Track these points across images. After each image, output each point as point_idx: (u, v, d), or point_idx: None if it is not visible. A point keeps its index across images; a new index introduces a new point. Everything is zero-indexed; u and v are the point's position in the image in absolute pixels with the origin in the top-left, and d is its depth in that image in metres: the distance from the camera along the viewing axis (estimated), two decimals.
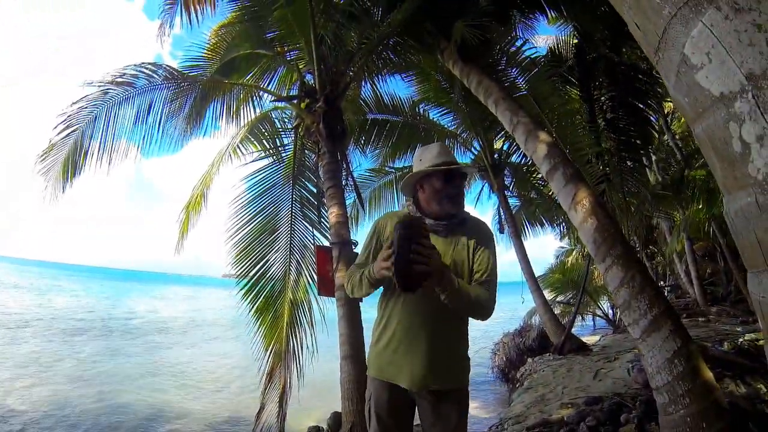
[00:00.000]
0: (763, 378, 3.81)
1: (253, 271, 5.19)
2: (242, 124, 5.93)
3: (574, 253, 15.67)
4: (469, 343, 1.89)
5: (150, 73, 5.38)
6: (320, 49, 4.95)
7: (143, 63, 5.37)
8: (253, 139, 5.77)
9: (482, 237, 1.84)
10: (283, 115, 6.02)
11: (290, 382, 5.06)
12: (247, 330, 5.29)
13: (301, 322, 5.14)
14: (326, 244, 4.85)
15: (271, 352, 5.12)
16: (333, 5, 4.97)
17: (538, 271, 9.45)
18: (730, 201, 1.08)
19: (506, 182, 9.06)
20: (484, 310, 1.74)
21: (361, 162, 7.09)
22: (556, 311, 9.79)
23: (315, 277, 4.76)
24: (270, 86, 6.10)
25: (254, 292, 5.15)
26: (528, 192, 9.60)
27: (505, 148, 8.53)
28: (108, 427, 6.97)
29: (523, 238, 9.47)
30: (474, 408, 6.61)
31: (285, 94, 5.68)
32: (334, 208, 4.44)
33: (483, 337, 11.97)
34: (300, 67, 5.50)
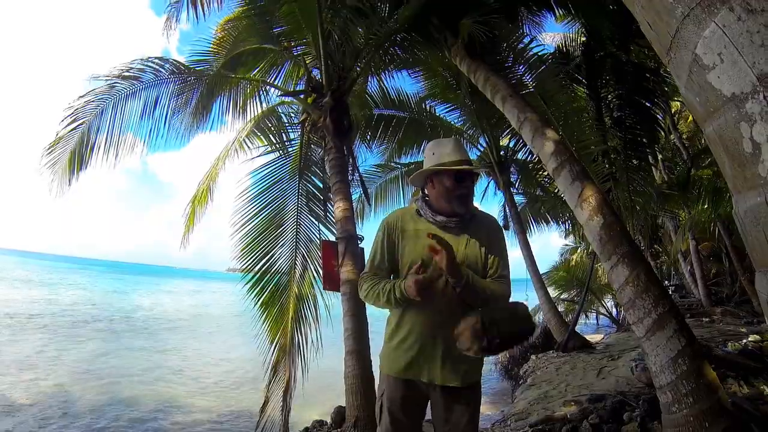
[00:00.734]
0: (766, 379, 3.80)
1: (259, 266, 5.22)
2: (248, 119, 5.93)
3: (578, 250, 15.65)
4: None
5: (157, 67, 5.41)
6: (327, 44, 4.95)
7: (150, 57, 5.40)
8: (259, 134, 5.79)
9: (493, 233, 1.86)
10: (290, 110, 6.03)
11: (295, 376, 5.10)
12: (251, 325, 5.33)
13: (306, 317, 5.18)
14: (332, 238, 4.87)
15: (276, 346, 5.15)
16: (340, 0, 4.96)
17: (542, 269, 9.46)
18: (739, 201, 1.08)
19: (512, 179, 9.05)
20: (500, 304, 1.78)
21: (367, 157, 7.12)
22: (560, 309, 9.79)
23: (320, 271, 4.78)
24: (277, 81, 6.09)
25: (260, 287, 5.18)
26: (534, 189, 9.59)
27: (511, 145, 8.51)
28: (112, 419, 7.03)
29: (528, 235, 9.48)
30: None
31: (292, 89, 5.69)
32: (340, 202, 4.45)
33: None
34: (307, 62, 5.50)
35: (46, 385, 8.61)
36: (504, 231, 2.08)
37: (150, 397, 8.32)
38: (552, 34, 9.52)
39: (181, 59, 5.95)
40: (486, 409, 6.85)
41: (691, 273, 11.38)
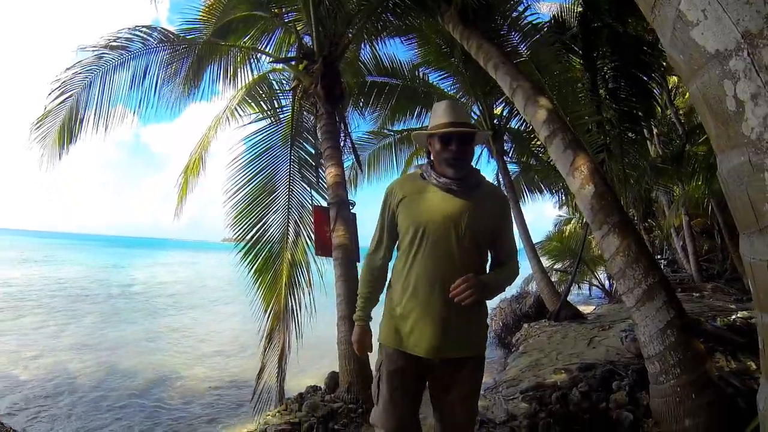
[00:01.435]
0: (753, 355, 3.85)
1: (252, 233, 5.22)
2: (239, 87, 5.87)
3: (572, 222, 15.71)
4: None
5: (145, 36, 5.31)
6: (319, 10, 4.88)
7: (137, 26, 5.30)
8: (250, 101, 5.73)
9: (500, 206, 1.79)
10: (281, 77, 5.96)
11: (289, 343, 5.15)
12: (246, 293, 5.36)
13: (299, 283, 5.21)
14: (324, 204, 4.87)
15: (270, 313, 5.18)
16: None
17: (536, 239, 9.49)
18: (723, 161, 1.08)
19: (506, 148, 9.02)
20: (511, 284, 1.84)
21: (359, 124, 7.07)
22: (553, 279, 9.89)
23: (313, 237, 4.80)
24: (268, 48, 6.00)
25: (253, 253, 5.19)
26: (527, 158, 9.58)
27: (504, 113, 8.46)
28: (111, 391, 7.14)
29: (521, 205, 9.49)
30: None
31: (283, 56, 5.62)
32: (332, 168, 4.43)
33: None
34: (298, 28, 5.42)
35: (45, 361, 8.70)
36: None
37: (148, 369, 8.44)
38: (548, 3, 9.38)
39: (171, 28, 5.85)
40: None
41: (683, 248, 11.47)
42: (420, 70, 7.09)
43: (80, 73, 5.16)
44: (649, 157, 9.29)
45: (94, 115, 5.31)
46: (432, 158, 1.79)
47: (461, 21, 4.56)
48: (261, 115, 5.58)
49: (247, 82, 5.81)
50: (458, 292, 1.57)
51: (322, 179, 5.23)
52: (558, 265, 11.38)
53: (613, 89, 6.49)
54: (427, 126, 1.84)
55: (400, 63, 6.72)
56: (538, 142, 7.88)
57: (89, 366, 8.50)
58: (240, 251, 5.15)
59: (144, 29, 5.32)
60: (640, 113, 6.64)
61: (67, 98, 5.18)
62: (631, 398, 3.28)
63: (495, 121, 8.48)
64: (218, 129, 5.85)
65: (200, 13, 5.89)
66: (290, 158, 5.44)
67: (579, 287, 12.72)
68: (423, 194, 1.71)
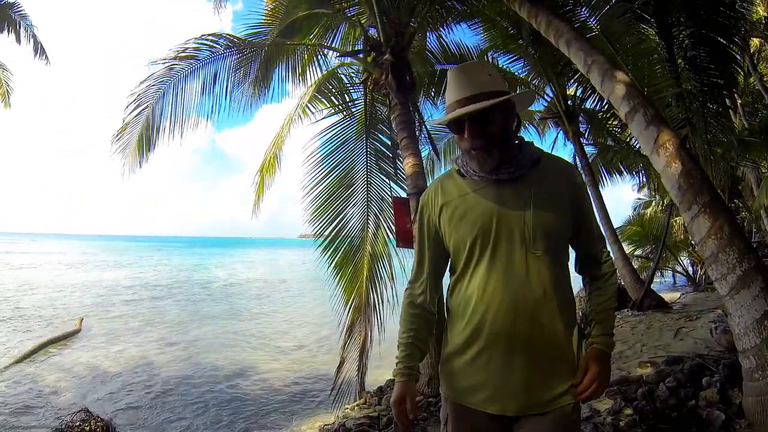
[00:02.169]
0: None
1: (331, 227, 5.28)
2: (309, 84, 5.96)
3: (653, 204, 14.85)
4: None
5: (212, 44, 5.49)
6: (381, 1, 4.83)
7: (203, 35, 5.48)
8: (321, 97, 5.80)
9: (570, 183, 1.30)
10: (350, 71, 5.98)
11: (370, 336, 5.18)
12: (326, 288, 5.43)
13: (381, 276, 5.22)
14: (403, 195, 4.83)
15: (350, 307, 5.23)
16: None
17: (615, 224, 9.04)
18: None
19: (581, 129, 8.61)
20: None
21: (432, 114, 6.95)
22: (634, 266, 9.37)
23: (393, 229, 4.78)
24: (334, 44, 6.05)
25: (332, 248, 5.25)
26: (604, 139, 9.08)
27: (578, 93, 8.08)
28: (193, 383, 7.50)
29: (600, 188, 9.06)
30: None
31: (350, 50, 5.65)
32: (410, 158, 4.37)
33: None
34: (362, 21, 5.40)
35: (131, 355, 9.31)
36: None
37: (229, 363, 8.80)
38: None
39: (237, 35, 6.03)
40: None
41: None
42: (489, 54, 6.91)
43: (153, 85, 5.43)
44: (735, 131, 8.55)
45: (170, 123, 5.57)
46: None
47: None
48: (333, 110, 5.64)
49: (316, 79, 5.89)
50: (587, 395, 1.23)
51: (400, 170, 5.19)
52: (639, 251, 10.81)
53: (692, 58, 6.00)
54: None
55: (468, 49, 6.58)
56: (616, 122, 7.48)
57: (172, 360, 8.98)
58: (320, 246, 5.22)
59: (210, 37, 5.50)
60: (721, 81, 6.11)
61: (143, 110, 5.47)
62: (723, 396, 3.04)
63: (569, 102, 8.15)
64: (291, 127, 5.95)
65: (263, 17, 6.03)
66: (366, 151, 5.45)
67: (662, 274, 12.05)
68: (467, 195, 1.29)
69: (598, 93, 5.81)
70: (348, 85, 5.82)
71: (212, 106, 5.68)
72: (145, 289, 20.78)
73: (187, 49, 5.43)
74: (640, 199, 16.05)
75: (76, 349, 9.69)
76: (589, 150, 9.51)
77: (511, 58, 7.41)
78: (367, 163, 5.47)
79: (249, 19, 5.97)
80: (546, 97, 8.30)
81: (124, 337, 10.91)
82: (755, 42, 10.29)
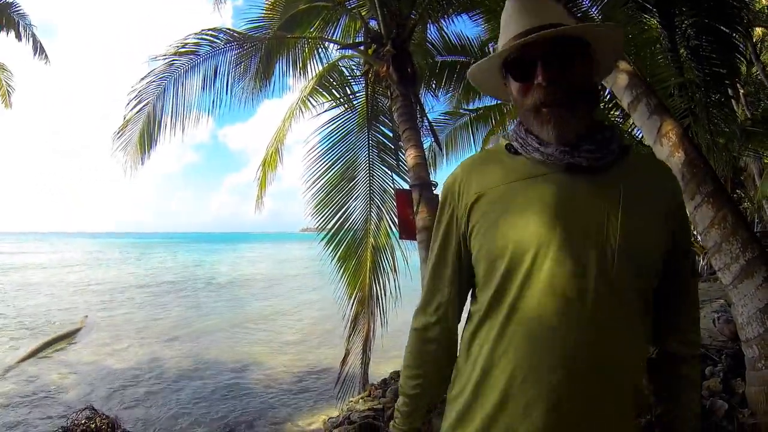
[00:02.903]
0: None
1: (334, 220, 5.27)
2: (310, 78, 5.94)
3: None
4: None
5: (212, 38, 5.47)
6: None
7: (203, 30, 5.46)
8: (322, 91, 5.78)
9: (675, 198, 0.88)
10: (351, 64, 5.95)
11: (374, 329, 5.19)
12: (329, 281, 5.43)
13: (384, 268, 5.23)
14: (406, 187, 4.83)
15: (354, 300, 5.25)
16: None
17: None
18: None
19: None
20: None
21: (434, 106, 6.90)
22: None
23: (396, 221, 4.77)
24: (335, 36, 6.01)
25: (336, 241, 5.25)
26: None
27: None
28: (198, 379, 7.54)
29: None
30: None
31: (351, 42, 5.63)
32: (412, 150, 4.35)
33: None
34: (363, 14, 5.38)
35: (135, 351, 9.36)
36: None
37: (233, 357, 8.86)
38: None
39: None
40: None
41: None
42: (490, 45, 6.86)
43: (154, 81, 5.41)
44: (737, 121, 8.52)
45: (171, 119, 5.57)
46: (522, 118, 0.91)
47: None
48: (334, 103, 5.62)
49: (317, 72, 5.87)
50: None
51: (402, 162, 5.18)
52: None
53: (695, 47, 5.96)
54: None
55: (469, 40, 6.49)
56: (617, 112, 7.43)
57: (177, 356, 9.04)
58: (322, 240, 5.21)
59: (210, 32, 5.47)
60: (723, 70, 6.07)
61: (144, 106, 5.46)
62: (726, 385, 3.06)
63: None
64: (292, 121, 5.96)
65: (263, 11, 5.99)
66: (368, 143, 5.43)
67: None
68: (517, 183, 0.86)
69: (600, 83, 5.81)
70: (349, 77, 5.79)
71: (213, 102, 5.67)
72: (148, 285, 20.92)
73: (187, 44, 5.40)
74: None
75: (80, 347, 9.77)
76: None
77: None
78: (369, 155, 5.45)
79: (249, 14, 5.94)
80: None
81: (128, 334, 10.97)
82: (758, 32, 10.23)
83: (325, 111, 5.49)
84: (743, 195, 12.23)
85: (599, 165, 0.81)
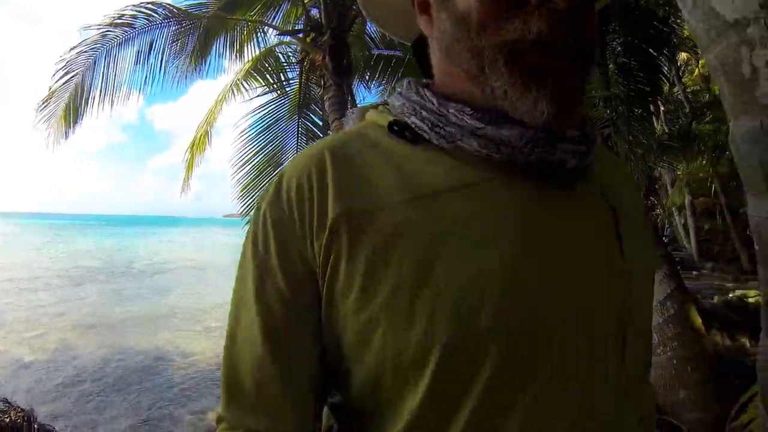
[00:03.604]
0: (748, 332, 3.94)
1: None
2: (246, 61, 5.85)
3: None
4: None
5: (149, 12, 5.30)
6: None
7: (142, 2, 5.26)
8: (257, 75, 5.72)
9: (638, 204, 0.57)
10: (288, 50, 5.92)
11: None
12: None
13: None
14: None
15: None
16: None
17: None
18: (736, 126, 1.13)
19: None
20: None
21: (365, 97, 7.00)
22: None
23: None
24: (275, 21, 5.94)
25: None
26: None
27: None
28: (119, 369, 7.24)
29: None
30: None
31: (291, 29, 5.60)
32: None
33: None
34: (305, 1, 5.36)
35: (51, 340, 8.79)
36: None
37: (153, 346, 8.53)
38: None
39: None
40: None
41: (685, 227, 11.53)
42: None
43: (85, 51, 5.18)
44: (656, 134, 9.26)
45: (100, 93, 5.35)
46: (435, 64, 0.51)
47: None
48: (268, 89, 5.58)
49: (253, 56, 5.78)
50: None
51: None
52: None
53: (622, 64, 6.42)
54: None
55: None
56: None
57: (94, 344, 8.57)
58: (245, 225, 5.14)
59: (149, 5, 5.29)
60: (647, 89, 6.58)
61: (71, 77, 5.20)
62: None
63: None
64: (224, 104, 5.85)
65: None
66: (298, 131, 5.45)
67: None
68: (435, 206, 0.44)
69: None
70: (284, 64, 5.78)
71: (146, 78, 5.51)
72: (62, 270, 19.50)
73: (123, 15, 5.20)
74: None
75: None
76: None
77: None
78: (297, 143, 5.47)
79: None
80: None
81: (40, 322, 10.22)
82: (683, 56, 11.07)
83: (258, 96, 5.47)
84: (656, 202, 13.31)
85: (582, 167, 0.47)
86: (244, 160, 5.25)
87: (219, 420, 0.49)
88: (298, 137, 5.48)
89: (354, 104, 5.03)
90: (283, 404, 0.46)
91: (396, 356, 0.41)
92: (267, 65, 5.72)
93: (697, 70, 11.96)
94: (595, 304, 0.44)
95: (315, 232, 0.45)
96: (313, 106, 5.58)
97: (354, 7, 5.07)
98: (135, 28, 5.27)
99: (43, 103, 5.27)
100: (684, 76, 11.66)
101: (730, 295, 5.58)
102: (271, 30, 5.82)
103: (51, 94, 5.21)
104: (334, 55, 4.70)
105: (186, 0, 5.67)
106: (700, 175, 9.40)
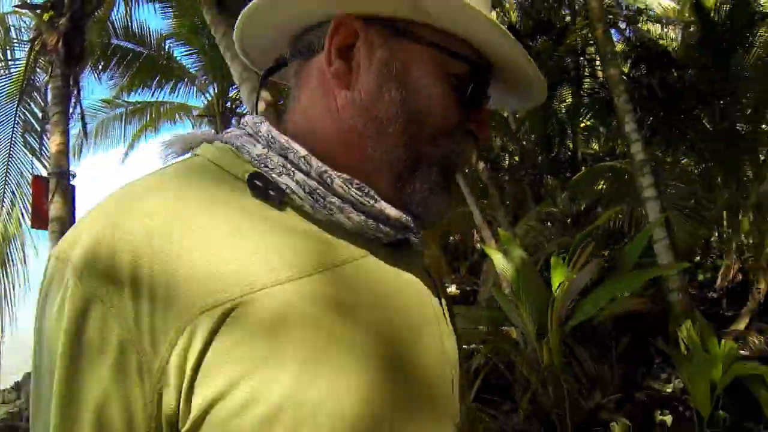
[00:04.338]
0: None
1: None
2: None
3: None
4: None
5: None
6: None
7: None
8: None
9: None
10: (21, 24, 5.26)
11: (2, 328, 4.63)
12: None
13: (12, 259, 4.70)
14: (45, 174, 4.49)
15: None
16: None
17: None
18: None
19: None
20: None
21: (94, 88, 6.60)
22: None
23: (30, 209, 4.39)
24: None
25: None
26: None
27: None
28: None
29: None
30: None
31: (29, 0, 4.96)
32: (57, 136, 4.10)
33: None
34: None
35: None
36: None
37: None
38: None
39: None
40: None
41: None
42: (167, 41, 6.81)
43: None
44: None
45: None
46: (319, 121, 0.43)
47: (217, 3, 4.41)
48: None
49: None
50: None
51: (45, 147, 4.78)
52: None
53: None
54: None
55: (150, 31, 6.45)
56: None
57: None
58: None
59: None
60: None
61: None
62: None
63: (227, 104, 8.20)
64: None
65: None
66: (15, 119, 4.90)
67: None
68: (316, 285, 0.36)
69: None
70: (14, 39, 5.11)
71: None
72: None
73: None
74: None
75: None
76: None
77: (189, 50, 7.32)
78: (12, 133, 4.94)
79: None
80: (207, 95, 8.18)
81: None
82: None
83: None
84: None
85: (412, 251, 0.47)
86: None
87: None
88: (13, 127, 4.93)
89: (78, 99, 4.65)
90: None
91: None
92: None
93: None
94: (444, 356, 0.44)
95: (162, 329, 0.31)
96: (35, 95, 5.02)
97: None
98: None
99: None
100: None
101: None
102: None
103: None
104: (68, 41, 4.30)
105: None
106: None
